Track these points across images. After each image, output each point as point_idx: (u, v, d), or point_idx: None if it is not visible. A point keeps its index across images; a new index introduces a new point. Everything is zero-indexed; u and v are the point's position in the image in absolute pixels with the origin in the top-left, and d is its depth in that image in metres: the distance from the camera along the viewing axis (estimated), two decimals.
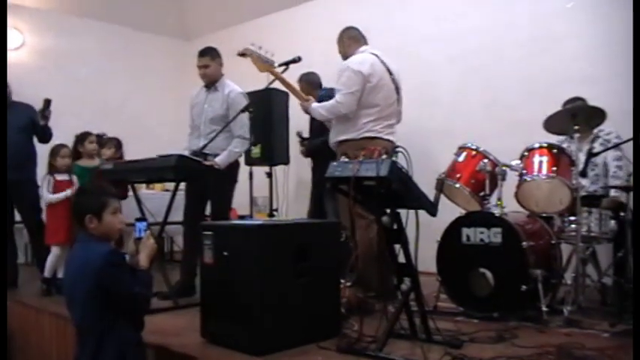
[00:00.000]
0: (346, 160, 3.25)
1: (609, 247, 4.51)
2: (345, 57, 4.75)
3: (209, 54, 5.20)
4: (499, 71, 6.16)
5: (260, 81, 5.36)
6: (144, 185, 6.63)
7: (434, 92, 6.43)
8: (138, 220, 3.15)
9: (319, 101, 4.91)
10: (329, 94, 5.61)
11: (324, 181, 3.50)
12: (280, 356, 3.15)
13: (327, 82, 6.02)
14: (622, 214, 4.24)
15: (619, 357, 3.06)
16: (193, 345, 3.40)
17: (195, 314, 3.62)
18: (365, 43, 4.82)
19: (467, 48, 6.39)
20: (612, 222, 4.24)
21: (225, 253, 3.35)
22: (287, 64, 4.92)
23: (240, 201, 5.33)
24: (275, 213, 6.12)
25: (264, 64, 4.80)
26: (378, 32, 4.88)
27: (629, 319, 3.82)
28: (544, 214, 4.44)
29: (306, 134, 6.36)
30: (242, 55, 4.83)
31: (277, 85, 5.17)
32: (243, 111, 4.90)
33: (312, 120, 5.89)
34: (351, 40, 4.83)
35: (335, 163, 3.30)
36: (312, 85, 6.04)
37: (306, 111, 4.81)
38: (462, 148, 4.54)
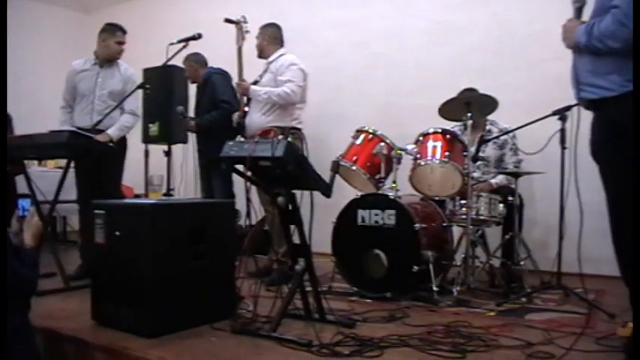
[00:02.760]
0: (241, 140, 3.25)
1: (498, 230, 4.68)
2: (262, 52, 5.11)
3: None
4: (400, 58, 6.26)
5: (154, 58, 5.22)
6: (36, 162, 6.37)
7: (336, 77, 6.47)
8: (20, 197, 3.03)
9: (208, 79, 5.66)
10: (218, 71, 5.61)
11: (214, 160, 3.48)
12: (173, 338, 3.11)
13: (224, 63, 5.95)
14: (510, 198, 4.40)
15: (503, 334, 3.18)
16: (84, 328, 3.31)
17: (86, 296, 3.51)
18: (282, 45, 5.16)
19: (370, 34, 6.45)
20: (501, 206, 4.40)
21: (118, 233, 3.27)
22: (186, 40, 4.86)
23: (135, 180, 5.22)
24: (172, 193, 6.01)
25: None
26: (284, 16, 4.89)
27: (515, 299, 4.00)
28: (437, 198, 4.54)
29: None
30: (229, 21, 4.89)
31: (176, 61, 5.08)
32: (140, 87, 4.79)
33: (200, 99, 5.89)
34: (272, 39, 5.13)
35: (231, 143, 3.27)
36: (199, 64, 5.98)
37: (245, 91, 4.89)
38: (359, 131, 4.58)
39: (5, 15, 5.13)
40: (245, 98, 4.98)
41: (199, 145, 5.91)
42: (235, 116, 5.10)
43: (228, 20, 4.87)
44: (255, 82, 4.99)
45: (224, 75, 5.74)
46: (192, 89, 6.39)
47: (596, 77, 2.71)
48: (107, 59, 5.06)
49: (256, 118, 4.90)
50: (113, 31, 5.06)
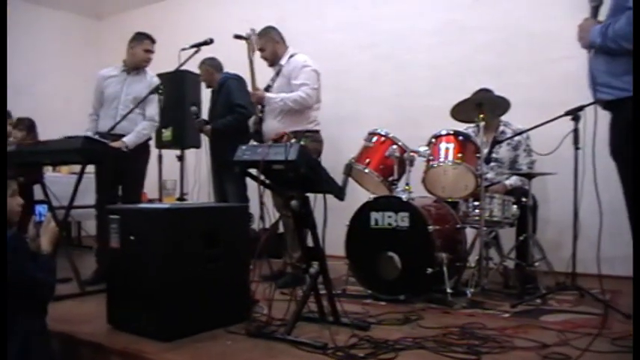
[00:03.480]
0: (255, 144, 3.26)
1: (511, 232, 4.66)
2: (273, 54, 4.97)
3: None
4: (409, 60, 6.26)
5: (165, 63, 5.26)
6: (50, 168, 6.42)
7: (346, 79, 6.47)
8: (37, 203, 3.05)
9: (223, 84, 5.64)
10: (234, 76, 5.62)
11: (227, 163, 3.48)
12: (188, 342, 3.12)
13: (235, 67, 5.99)
14: (524, 199, 4.39)
15: (518, 335, 3.17)
16: (100, 332, 3.33)
17: (102, 301, 3.53)
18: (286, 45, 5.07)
19: (379, 36, 6.46)
20: (514, 207, 4.39)
21: (132, 238, 3.29)
22: (198, 45, 4.88)
23: (149, 184, 5.25)
24: (185, 197, 6.03)
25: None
26: (293, 18, 4.89)
27: (529, 300, 3.99)
28: (450, 199, 4.55)
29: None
30: (239, 37, 4.83)
31: (188, 66, 5.10)
32: (152, 92, 4.83)
33: (214, 104, 5.93)
34: (281, 39, 5.03)
35: (244, 147, 3.29)
36: (214, 69, 6.04)
37: (261, 100, 4.81)
38: (371, 134, 4.60)
39: (5, 16, 5.18)
40: (259, 106, 4.90)
41: (212, 148, 5.94)
42: (251, 122, 5.04)
43: (238, 37, 4.82)
44: (268, 88, 4.92)
45: (239, 80, 5.76)
46: (205, 94, 6.44)
47: (611, 78, 2.72)
48: (135, 67, 5.16)
49: (272, 125, 4.81)
50: (141, 39, 5.17)
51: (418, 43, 6.22)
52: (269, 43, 4.95)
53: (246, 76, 5.01)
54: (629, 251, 3.17)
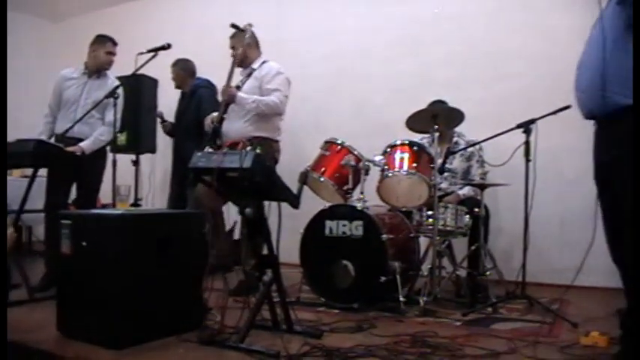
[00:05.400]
0: (210, 150, 3.25)
1: (464, 241, 4.73)
2: (245, 58, 4.91)
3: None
4: (368, 71, 6.32)
5: (123, 67, 5.20)
6: None
7: (305, 88, 6.50)
8: None
9: (195, 91, 5.74)
10: (206, 84, 5.62)
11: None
12: (140, 350, 3.09)
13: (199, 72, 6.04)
14: (476, 209, 4.47)
15: (469, 344, 3.21)
16: (50, 340, 3.26)
17: (52, 308, 3.45)
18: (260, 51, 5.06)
19: (340, 47, 6.50)
20: (467, 217, 4.46)
21: (84, 243, 3.24)
22: (156, 50, 4.83)
23: (103, 190, 5.18)
24: (140, 202, 5.98)
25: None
26: (256, 26, 4.88)
27: (480, 308, 4.05)
28: (404, 209, 4.59)
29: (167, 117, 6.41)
30: (236, 27, 4.82)
31: (147, 71, 5.07)
32: (108, 96, 4.77)
33: (185, 108, 5.98)
34: (255, 44, 5.01)
35: (199, 154, 3.28)
36: (187, 72, 6.05)
37: (232, 98, 4.69)
38: (327, 143, 4.62)
39: (5, 15, 5.08)
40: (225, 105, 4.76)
41: (176, 152, 5.95)
42: (208, 121, 4.91)
43: (234, 26, 4.80)
44: (237, 88, 4.84)
45: (211, 88, 5.76)
46: (163, 99, 6.41)
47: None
48: (96, 69, 5.09)
49: (237, 125, 4.74)
50: (103, 41, 5.11)
51: (378, 55, 6.29)
52: (239, 44, 4.88)
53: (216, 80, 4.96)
54: (577, 262, 3.27)
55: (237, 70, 4.88)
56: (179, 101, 6.16)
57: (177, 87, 6.20)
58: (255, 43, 5.01)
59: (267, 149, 4.48)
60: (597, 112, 2.72)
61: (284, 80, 4.87)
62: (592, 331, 3.20)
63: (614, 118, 2.62)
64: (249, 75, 4.93)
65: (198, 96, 5.85)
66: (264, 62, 4.97)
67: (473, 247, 4.54)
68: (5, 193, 4.37)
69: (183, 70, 6.10)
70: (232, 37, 4.97)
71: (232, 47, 4.95)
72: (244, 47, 4.84)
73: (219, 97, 4.85)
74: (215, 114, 4.86)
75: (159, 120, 6.06)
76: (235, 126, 4.75)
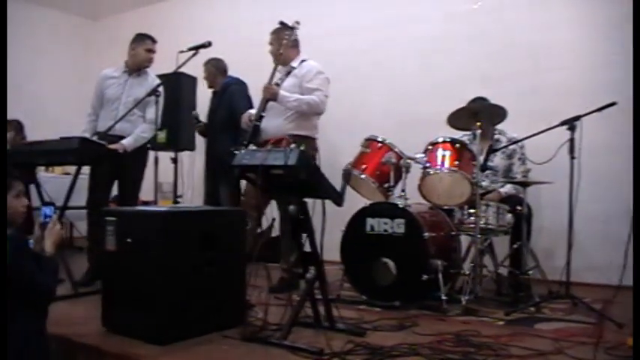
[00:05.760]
0: (253, 148, 3.26)
1: (505, 240, 4.68)
2: (283, 58, 4.87)
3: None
4: (404, 67, 6.28)
5: (163, 65, 5.24)
6: (42, 168, 6.39)
7: (340, 84, 6.48)
8: (44, 204, 3.04)
9: (227, 89, 5.68)
10: (237, 81, 5.66)
11: (222, 167, 3.47)
12: (184, 345, 3.12)
13: (232, 71, 6.05)
14: (518, 208, 4.42)
15: (513, 344, 3.18)
16: (94, 335, 3.31)
17: (96, 303, 3.52)
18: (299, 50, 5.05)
19: (374, 42, 6.47)
20: (509, 215, 4.41)
21: (129, 240, 3.28)
22: (197, 48, 4.85)
23: (144, 187, 5.23)
24: (180, 200, 6.02)
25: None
26: (290, 21, 4.88)
27: (523, 308, 4.01)
28: (445, 207, 4.57)
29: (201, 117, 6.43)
30: (284, 25, 4.88)
31: (186, 69, 5.10)
32: (150, 94, 4.81)
33: (216, 107, 6.04)
34: (294, 44, 4.98)
35: (243, 151, 3.30)
36: (219, 71, 6.10)
37: (274, 96, 4.70)
38: (368, 140, 4.61)
39: (5, 16, 5.17)
40: (266, 102, 4.76)
41: (209, 150, 5.99)
42: (245, 118, 4.94)
43: (282, 23, 4.87)
44: (276, 86, 4.83)
45: (242, 85, 5.78)
46: (201, 97, 6.45)
47: None
48: (136, 67, 5.15)
49: (277, 123, 4.75)
50: (143, 39, 5.17)
51: (414, 50, 6.24)
52: (275, 42, 4.91)
53: (247, 79, 4.99)
54: (622, 261, 3.20)
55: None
56: (211, 100, 6.22)
57: (210, 86, 6.24)
58: (295, 42, 4.99)
59: (308, 147, 4.48)
60: None
61: (324, 80, 4.87)
62: None
63: None
64: (288, 73, 4.91)
65: (229, 93, 5.89)
66: (303, 61, 4.96)
67: (515, 246, 4.49)
68: (5, 193, 4.46)
69: (216, 67, 6.15)
70: (273, 33, 4.98)
71: (270, 43, 4.96)
72: (283, 45, 4.84)
73: (252, 95, 4.87)
74: (252, 111, 4.89)
75: (194, 121, 6.10)
76: (275, 123, 4.75)
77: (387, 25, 6.42)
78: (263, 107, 4.71)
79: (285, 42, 4.84)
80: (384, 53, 6.41)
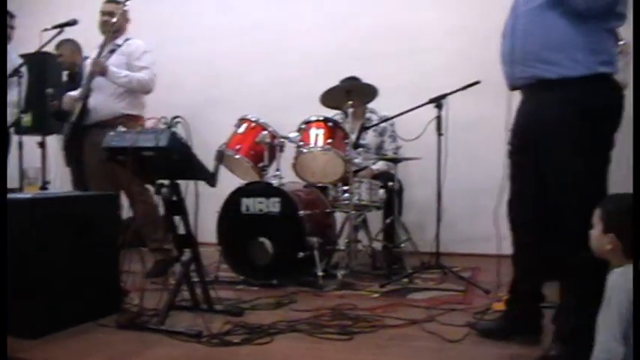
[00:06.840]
0: (124, 129, 3.17)
1: (379, 215, 4.83)
2: (117, 31, 4.72)
3: None
4: (280, 46, 6.27)
5: (25, 44, 4.99)
6: None
7: (218, 63, 6.42)
8: None
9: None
10: None
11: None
12: (58, 337, 3.01)
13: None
14: (390, 183, 4.55)
15: (388, 314, 3.30)
16: None
17: None
18: None
19: (253, 21, 6.41)
20: (381, 191, 4.52)
21: None
22: (62, 26, 4.65)
23: (9, 173, 4.97)
24: (47, 186, 5.76)
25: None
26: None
27: (397, 280, 4.14)
28: (320, 184, 4.63)
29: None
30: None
31: (50, 48, 4.87)
32: (12, 75, 4.56)
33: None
34: (127, 19, 4.82)
35: (112, 133, 3.19)
36: (77, 50, 5.78)
37: (103, 70, 4.50)
38: (242, 120, 4.59)
39: (5, 15, 4.76)
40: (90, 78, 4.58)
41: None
42: (67, 98, 4.80)
43: None
44: None
45: None
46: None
47: (553, 53, 2.49)
48: None
49: (108, 102, 4.59)
50: None
51: (290, 30, 6.24)
52: (118, 13, 4.68)
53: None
54: (488, 231, 3.37)
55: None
56: (66, 84, 5.86)
57: (67, 68, 5.90)
58: (128, 18, 4.84)
59: (137, 127, 4.38)
60: (518, 85, 2.69)
61: (152, 59, 4.72)
62: (504, 297, 3.33)
63: (538, 89, 2.58)
64: (112, 51, 4.70)
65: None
66: (127, 39, 4.77)
67: (388, 221, 4.64)
68: (5, 193, 4.18)
69: (71, 49, 5.82)
70: (110, 1, 4.76)
71: (109, 13, 4.72)
72: (124, 18, 4.73)
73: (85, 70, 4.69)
74: (74, 93, 4.74)
75: (50, 100, 5.76)
76: (103, 102, 4.61)
77: (267, 5, 6.40)
78: (89, 84, 4.58)
79: (123, 14, 4.71)
80: (260, 33, 6.34)
